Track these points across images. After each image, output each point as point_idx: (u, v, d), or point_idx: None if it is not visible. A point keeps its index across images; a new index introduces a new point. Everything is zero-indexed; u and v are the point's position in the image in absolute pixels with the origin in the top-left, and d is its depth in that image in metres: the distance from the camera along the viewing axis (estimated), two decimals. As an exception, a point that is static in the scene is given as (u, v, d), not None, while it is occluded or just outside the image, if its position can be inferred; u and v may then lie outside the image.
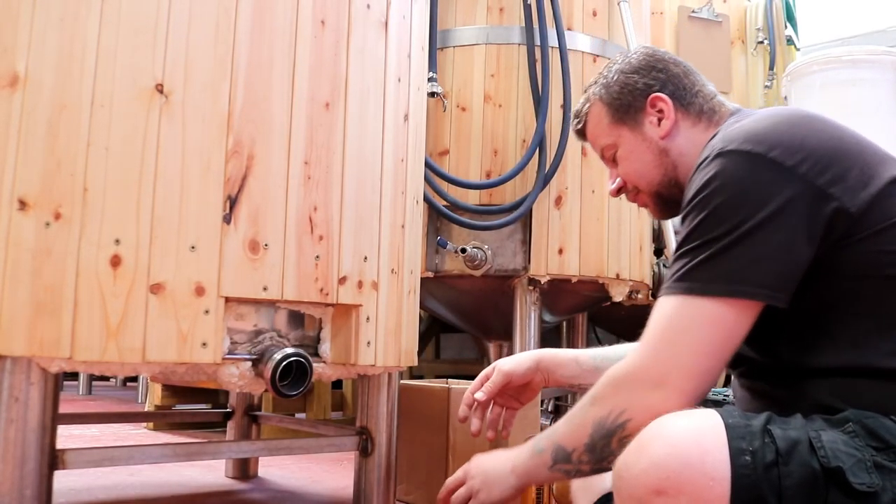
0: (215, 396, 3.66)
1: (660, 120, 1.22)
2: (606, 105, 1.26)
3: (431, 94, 2.65)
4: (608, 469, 0.96)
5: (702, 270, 0.97)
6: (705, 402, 1.16)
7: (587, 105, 1.30)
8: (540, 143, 2.66)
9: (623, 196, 1.31)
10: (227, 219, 1.41)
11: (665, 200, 1.25)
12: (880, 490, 0.82)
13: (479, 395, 1.38)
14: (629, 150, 1.24)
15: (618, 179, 1.28)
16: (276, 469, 2.56)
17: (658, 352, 0.97)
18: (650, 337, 0.99)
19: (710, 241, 0.97)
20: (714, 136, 1.13)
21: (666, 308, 0.99)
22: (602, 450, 0.99)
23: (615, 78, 1.27)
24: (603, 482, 1.15)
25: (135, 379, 5.63)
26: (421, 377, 3.91)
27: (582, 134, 1.33)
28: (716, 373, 0.96)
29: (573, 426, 1.04)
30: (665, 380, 0.95)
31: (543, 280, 2.67)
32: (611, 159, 1.28)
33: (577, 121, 1.33)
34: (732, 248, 0.96)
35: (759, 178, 0.98)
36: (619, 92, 1.25)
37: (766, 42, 4.11)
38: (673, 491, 0.81)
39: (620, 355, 1.21)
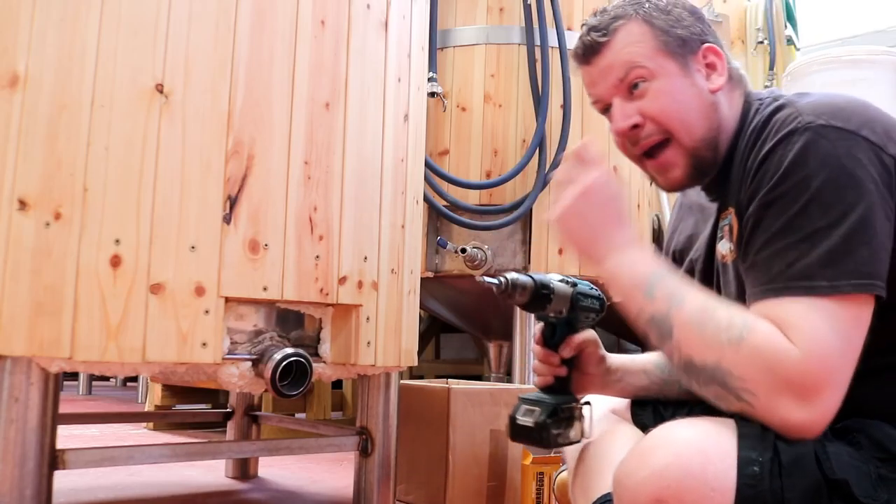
0: (215, 396, 3.66)
1: (708, 75, 1.07)
2: (657, 29, 1.06)
3: (431, 94, 2.65)
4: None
5: (825, 265, 0.86)
6: None
7: (619, 21, 1.07)
8: (540, 143, 2.66)
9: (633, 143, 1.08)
10: (227, 219, 1.41)
11: (699, 161, 1.06)
12: None
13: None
14: (672, 87, 1.04)
15: (636, 117, 1.05)
16: (276, 469, 2.56)
17: (820, 360, 0.84)
18: (811, 339, 0.85)
19: (822, 231, 0.87)
20: (771, 109, 1.01)
21: (798, 311, 0.87)
22: (699, 375, 0.89)
23: (668, 7, 1.07)
24: (602, 482, 1.15)
25: (135, 379, 5.64)
26: (421, 377, 3.91)
27: (593, 51, 1.08)
28: None
29: (699, 334, 0.89)
30: (818, 395, 0.84)
31: (543, 280, 2.66)
32: (629, 87, 1.06)
33: (598, 33, 1.07)
34: (852, 239, 0.87)
35: (857, 158, 0.89)
36: (676, 22, 1.06)
37: (766, 42, 4.12)
38: (673, 500, 0.81)
39: None
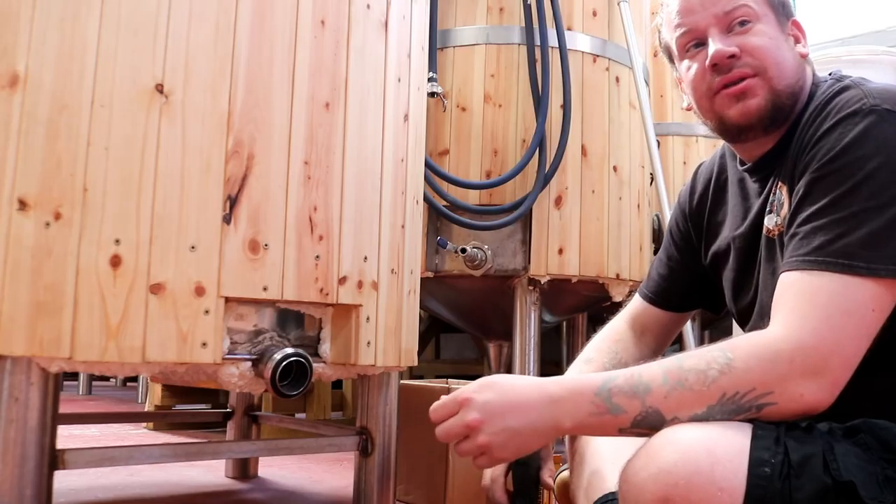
0: (215, 396, 3.66)
1: (794, 44, 1.11)
2: None
3: (431, 94, 2.65)
4: None
5: (865, 247, 0.88)
6: None
7: None
8: (540, 143, 2.66)
9: (716, 78, 1.07)
10: (227, 219, 1.41)
11: (779, 104, 1.06)
12: None
13: None
14: (773, 33, 1.07)
15: (735, 48, 1.05)
16: (276, 469, 2.56)
17: (821, 335, 0.86)
18: (808, 315, 0.87)
19: (869, 212, 0.89)
20: (836, 89, 1.03)
21: (824, 285, 0.88)
22: (716, 416, 0.88)
23: None
24: (603, 482, 1.14)
25: (135, 379, 5.63)
26: (421, 377, 3.91)
27: None
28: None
29: (684, 392, 0.87)
30: (825, 368, 0.86)
31: (543, 280, 2.67)
32: (731, 23, 1.07)
33: None
34: None
35: None
36: None
37: (766, 42, 4.11)
38: (679, 499, 0.80)
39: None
